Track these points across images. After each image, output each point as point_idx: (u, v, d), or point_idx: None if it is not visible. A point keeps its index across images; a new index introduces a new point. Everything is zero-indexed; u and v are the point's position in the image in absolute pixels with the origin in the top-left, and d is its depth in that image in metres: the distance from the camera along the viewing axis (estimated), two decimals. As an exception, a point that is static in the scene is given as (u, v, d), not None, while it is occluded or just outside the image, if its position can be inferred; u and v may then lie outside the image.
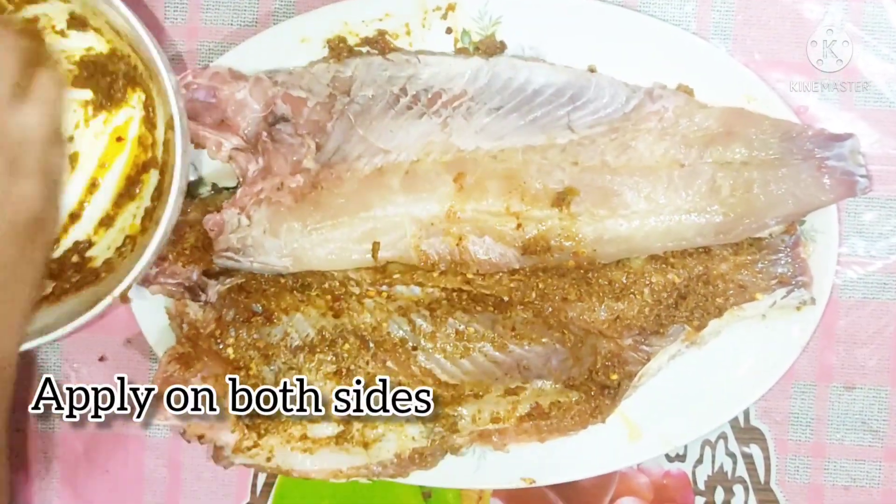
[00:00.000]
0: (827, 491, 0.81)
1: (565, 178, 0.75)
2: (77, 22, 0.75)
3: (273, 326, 0.77)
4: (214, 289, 0.77)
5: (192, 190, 0.79)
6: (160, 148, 0.76)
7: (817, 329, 0.78)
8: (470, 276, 0.76)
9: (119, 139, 0.77)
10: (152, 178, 0.77)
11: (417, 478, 0.79)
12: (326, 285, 0.77)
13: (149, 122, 0.76)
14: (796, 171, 0.75)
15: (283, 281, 0.78)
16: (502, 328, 0.77)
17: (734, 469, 0.81)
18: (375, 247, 0.75)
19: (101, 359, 0.82)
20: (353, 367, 0.77)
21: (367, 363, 0.77)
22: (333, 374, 0.78)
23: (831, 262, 0.77)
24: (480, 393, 0.78)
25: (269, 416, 0.77)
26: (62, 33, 0.76)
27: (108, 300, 0.71)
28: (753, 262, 0.77)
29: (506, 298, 0.76)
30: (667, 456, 0.82)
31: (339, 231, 0.76)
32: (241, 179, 0.77)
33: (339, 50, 0.77)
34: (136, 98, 0.77)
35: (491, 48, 0.78)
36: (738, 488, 0.81)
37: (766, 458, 0.81)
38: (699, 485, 0.82)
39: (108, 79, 0.76)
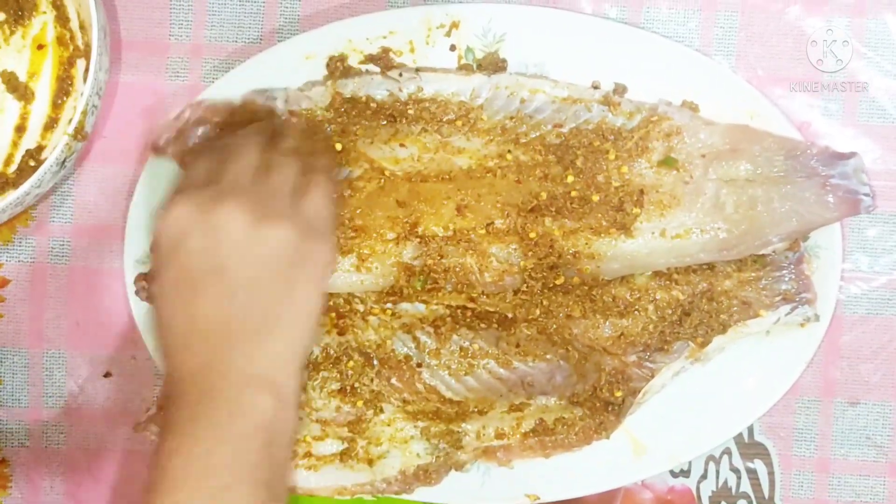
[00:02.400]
0: (831, 506, 0.81)
1: (569, 195, 0.76)
2: None
3: (277, 343, 0.78)
4: (219, 304, 0.78)
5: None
6: (79, 37, 0.79)
7: (821, 344, 0.78)
8: (474, 294, 0.76)
9: (40, 46, 0.80)
10: (79, 68, 0.80)
11: (422, 494, 0.79)
12: (331, 303, 0.77)
13: (63, 19, 0.80)
14: (800, 188, 0.75)
15: (287, 297, 0.78)
16: (506, 345, 0.77)
17: (738, 485, 0.81)
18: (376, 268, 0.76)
19: (106, 375, 0.82)
20: (357, 384, 0.77)
21: (372, 380, 0.77)
22: (337, 392, 0.78)
23: (835, 278, 0.78)
24: (485, 409, 0.78)
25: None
26: None
27: (64, 139, 0.75)
28: (757, 279, 0.77)
29: (510, 315, 0.76)
30: (671, 471, 0.82)
31: (345, 255, 0.76)
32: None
33: (336, 69, 0.77)
34: (44, 2, 0.80)
35: (494, 65, 0.78)
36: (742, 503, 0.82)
37: (771, 474, 0.81)
38: (703, 500, 0.82)
39: None
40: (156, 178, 0.79)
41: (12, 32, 0.80)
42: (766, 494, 0.81)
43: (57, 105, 0.80)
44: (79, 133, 0.76)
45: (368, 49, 0.78)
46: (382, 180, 0.76)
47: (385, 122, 0.77)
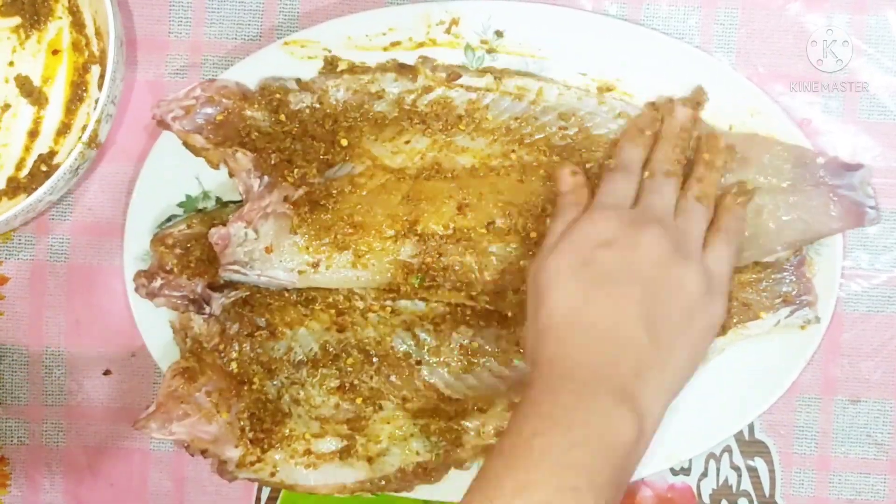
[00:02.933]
0: (832, 504, 0.81)
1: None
2: None
3: (277, 341, 0.78)
4: (219, 302, 0.78)
5: (196, 203, 0.80)
6: (94, 43, 0.79)
7: (822, 342, 0.78)
8: (473, 293, 0.76)
9: (55, 52, 0.80)
10: (94, 74, 0.80)
11: (423, 492, 0.79)
12: (331, 299, 0.77)
13: (78, 25, 0.80)
14: (806, 197, 0.75)
15: (287, 295, 0.78)
16: (506, 343, 0.77)
17: (739, 482, 0.81)
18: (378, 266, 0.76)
19: (106, 373, 0.82)
20: (356, 381, 0.77)
21: (371, 378, 0.77)
22: (336, 389, 0.78)
23: (836, 275, 0.77)
24: (484, 407, 0.78)
25: (272, 432, 0.77)
26: None
27: (79, 147, 0.75)
28: (758, 281, 0.77)
29: (510, 314, 0.76)
30: (671, 469, 0.81)
31: (342, 251, 0.76)
32: (244, 194, 0.77)
33: (333, 66, 0.78)
34: (59, 7, 0.80)
35: (494, 62, 0.78)
36: (742, 502, 0.81)
37: (771, 472, 0.81)
38: (704, 498, 0.82)
39: None
40: (156, 176, 0.79)
41: (27, 37, 0.80)
42: (767, 492, 0.81)
43: (70, 111, 0.80)
44: (93, 141, 0.76)
45: (369, 45, 0.78)
46: (385, 177, 0.76)
47: (392, 119, 0.77)
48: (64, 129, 0.80)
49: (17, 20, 0.80)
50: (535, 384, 0.66)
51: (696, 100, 0.77)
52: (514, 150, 0.76)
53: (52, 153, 0.80)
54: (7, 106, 0.80)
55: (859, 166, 0.76)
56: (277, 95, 0.76)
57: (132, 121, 0.81)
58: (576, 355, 0.66)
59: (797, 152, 0.76)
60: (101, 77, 0.77)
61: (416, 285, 0.75)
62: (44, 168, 0.79)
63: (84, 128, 0.77)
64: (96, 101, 0.76)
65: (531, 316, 0.70)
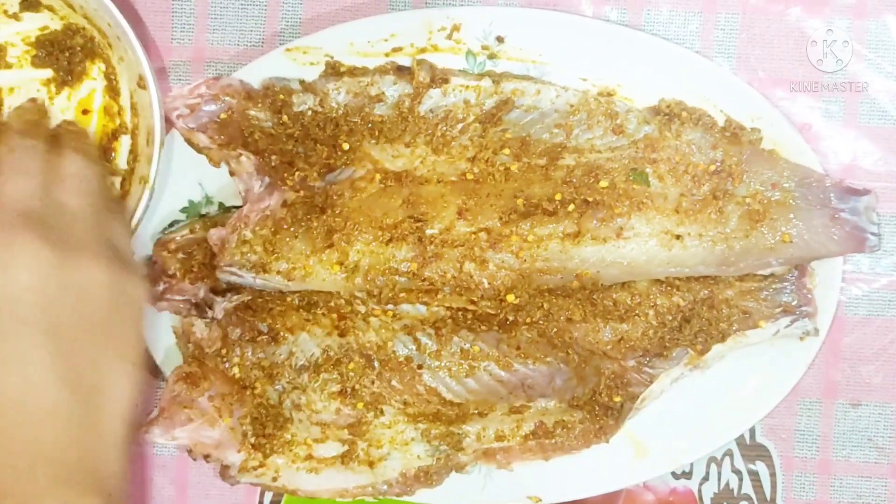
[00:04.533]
0: (833, 508, 0.81)
1: (569, 201, 0.76)
2: (29, 3, 0.78)
3: (278, 345, 0.78)
4: (221, 306, 0.78)
5: (198, 208, 0.80)
6: (127, 113, 0.78)
7: (823, 346, 0.78)
8: (474, 297, 0.76)
9: (85, 111, 0.79)
10: (123, 144, 0.78)
11: (423, 496, 0.79)
12: (332, 304, 0.78)
13: (112, 91, 0.78)
14: (809, 217, 0.75)
15: (288, 299, 0.78)
16: (507, 347, 0.77)
17: (740, 486, 0.81)
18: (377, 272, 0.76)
19: (109, 377, 0.82)
20: (357, 386, 0.77)
21: (373, 382, 0.78)
22: (338, 394, 0.78)
23: (836, 279, 0.78)
24: (485, 411, 0.78)
25: (274, 437, 0.77)
26: (15, 16, 0.78)
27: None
28: (759, 290, 0.77)
29: (511, 318, 0.76)
30: (673, 473, 0.82)
31: (340, 255, 0.76)
32: (244, 194, 0.77)
33: (335, 71, 0.78)
34: (95, 69, 0.79)
35: (496, 68, 0.78)
36: (744, 505, 0.82)
37: (773, 476, 0.81)
38: (705, 502, 0.82)
39: (66, 54, 0.78)
40: (159, 180, 0.79)
41: (59, 92, 0.79)
42: (768, 496, 0.81)
43: None
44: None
45: (370, 51, 0.78)
46: (384, 181, 0.76)
47: (391, 123, 0.77)
48: None
49: (49, 73, 0.78)
50: None
51: None
52: (514, 155, 0.77)
53: None
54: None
55: (866, 192, 0.76)
56: (281, 96, 0.77)
57: (135, 127, 0.81)
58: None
59: (802, 171, 0.76)
60: (132, 152, 0.78)
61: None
62: None
63: None
64: (124, 173, 0.77)
65: None
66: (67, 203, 0.57)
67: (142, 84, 0.75)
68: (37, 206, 0.55)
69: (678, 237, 0.76)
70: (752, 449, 0.81)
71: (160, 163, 0.75)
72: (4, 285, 0.52)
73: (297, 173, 0.76)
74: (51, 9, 0.78)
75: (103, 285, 0.56)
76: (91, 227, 0.58)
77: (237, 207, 0.79)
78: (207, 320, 0.78)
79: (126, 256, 0.59)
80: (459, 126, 0.77)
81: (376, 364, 0.77)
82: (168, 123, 0.76)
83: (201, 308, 0.78)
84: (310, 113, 0.77)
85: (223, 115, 0.76)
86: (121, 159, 0.78)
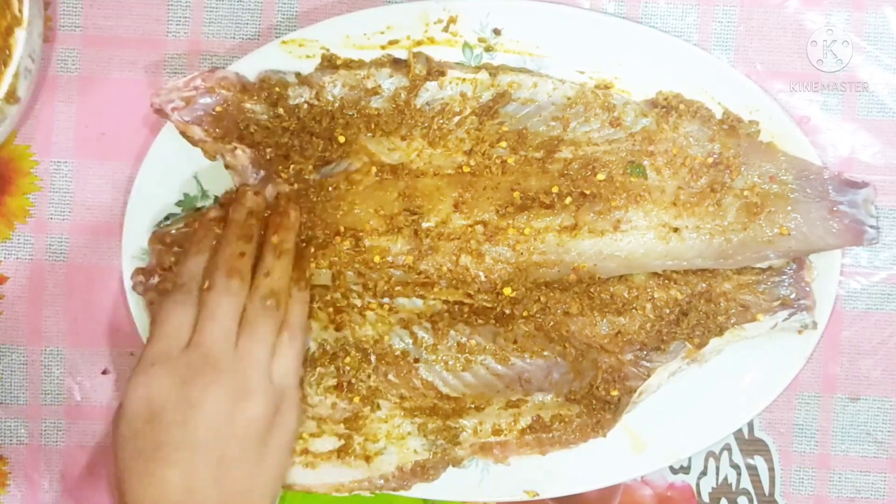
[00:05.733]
0: (832, 502, 0.81)
1: (567, 193, 0.76)
2: None
3: (274, 340, 0.77)
4: (218, 301, 0.78)
5: (194, 202, 0.80)
6: (15, 5, 0.76)
7: (821, 340, 0.78)
8: (470, 291, 0.76)
9: None
10: (18, 38, 0.77)
11: (420, 491, 0.79)
12: (328, 297, 0.77)
13: None
14: (807, 209, 0.75)
15: (284, 293, 0.78)
16: (504, 341, 0.77)
17: (738, 481, 0.81)
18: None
19: (104, 372, 0.82)
20: (354, 380, 0.77)
21: (369, 376, 0.77)
22: (334, 388, 0.77)
23: (835, 273, 0.77)
24: (482, 405, 0.78)
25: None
26: None
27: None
28: (757, 283, 0.77)
29: (507, 311, 0.76)
30: (671, 468, 0.81)
31: (335, 247, 0.76)
32: (238, 187, 0.77)
33: (331, 64, 0.78)
34: None
35: (492, 60, 0.78)
36: (742, 500, 0.81)
37: (771, 470, 0.81)
38: (703, 497, 0.81)
39: None
40: (154, 174, 0.79)
41: None
42: (767, 491, 0.81)
43: None
44: (11, 97, 0.75)
45: (366, 44, 0.78)
46: (380, 174, 0.76)
47: (388, 116, 0.77)
48: None
49: None
50: None
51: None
52: (511, 148, 0.76)
53: None
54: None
55: (864, 184, 0.76)
56: (277, 89, 0.76)
57: (130, 121, 0.81)
58: None
59: (801, 164, 0.76)
60: (27, 42, 0.76)
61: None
62: None
63: (6, 93, 0.76)
64: (20, 65, 0.75)
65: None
66: (247, 351, 0.69)
67: None
68: (226, 356, 0.68)
69: (676, 230, 0.75)
70: (750, 443, 0.81)
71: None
72: (186, 417, 0.66)
73: (292, 166, 0.76)
74: None
75: (263, 421, 0.68)
76: (262, 372, 0.69)
77: (233, 201, 0.79)
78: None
79: (287, 392, 0.70)
80: (456, 119, 0.77)
81: (372, 358, 0.77)
82: (163, 115, 0.76)
83: (197, 302, 0.78)
84: (306, 106, 0.77)
85: (218, 108, 0.76)
86: (17, 54, 0.76)
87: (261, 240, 0.73)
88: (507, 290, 0.75)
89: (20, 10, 0.77)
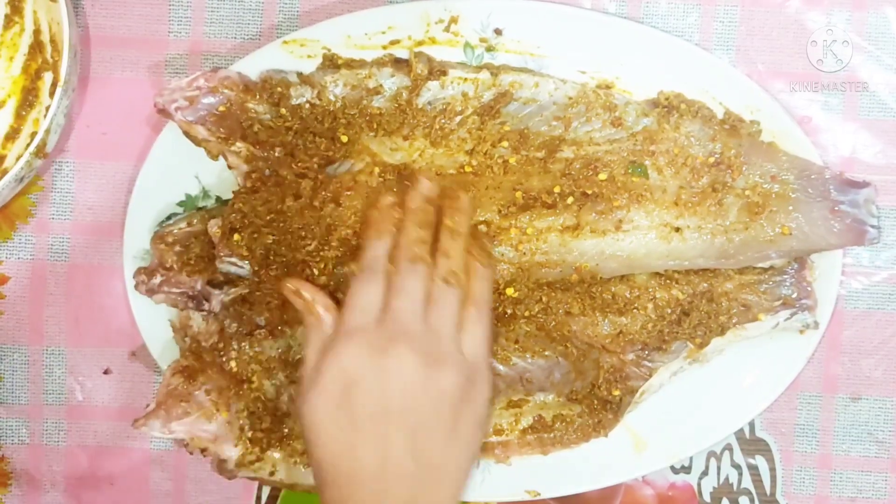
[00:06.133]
0: (833, 502, 0.81)
1: (568, 193, 0.75)
2: None
3: (276, 339, 0.77)
4: (218, 298, 0.78)
5: (195, 202, 0.80)
6: (48, 50, 0.78)
7: (822, 340, 0.78)
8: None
9: (10, 58, 0.79)
10: (46, 81, 0.79)
11: (421, 490, 0.79)
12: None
13: (35, 30, 0.79)
14: (808, 209, 0.75)
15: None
16: (505, 340, 0.77)
17: (740, 481, 0.81)
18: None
19: (106, 372, 0.82)
20: (356, 379, 0.77)
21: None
22: (336, 388, 0.77)
23: (836, 272, 0.77)
24: (484, 405, 0.78)
25: (271, 431, 0.77)
26: None
27: (26, 156, 0.75)
28: (758, 283, 0.77)
29: (509, 311, 0.76)
30: (672, 468, 0.81)
31: (340, 247, 0.75)
32: (244, 187, 0.77)
33: (333, 64, 0.78)
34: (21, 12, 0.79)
35: (494, 60, 0.78)
36: (743, 500, 0.81)
37: (772, 470, 0.81)
38: (704, 497, 0.81)
39: None
40: (155, 174, 0.79)
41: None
42: (768, 491, 0.81)
43: (20, 116, 0.80)
44: (40, 151, 0.76)
45: (367, 44, 0.78)
46: (383, 174, 0.76)
47: (389, 116, 0.77)
48: (13, 134, 0.80)
49: None
50: None
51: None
52: (512, 148, 0.76)
53: (0, 158, 0.80)
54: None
55: (865, 184, 0.76)
56: (279, 88, 0.76)
57: (132, 121, 0.81)
58: (351, 497, 0.67)
59: (802, 164, 0.76)
60: (53, 85, 0.77)
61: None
62: None
63: (33, 135, 0.77)
64: (47, 109, 0.76)
65: (307, 447, 0.70)
66: (435, 325, 0.70)
67: (54, 18, 0.75)
68: (415, 327, 0.69)
69: (677, 230, 0.75)
70: (751, 443, 0.81)
71: (69, 65, 0.75)
72: (382, 386, 0.68)
73: (296, 165, 0.76)
74: None
75: (456, 391, 0.69)
76: (451, 344, 0.70)
77: (234, 201, 0.79)
78: (204, 313, 0.78)
79: (478, 365, 0.71)
80: (458, 119, 0.77)
81: (374, 358, 0.77)
82: (166, 115, 0.76)
83: (198, 301, 0.78)
84: (308, 105, 0.77)
85: (222, 108, 0.76)
86: (44, 96, 0.79)
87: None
88: (510, 291, 0.75)
89: (52, 56, 0.78)
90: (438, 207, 0.75)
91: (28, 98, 0.79)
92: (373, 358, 0.68)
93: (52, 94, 0.77)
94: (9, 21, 0.79)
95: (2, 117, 0.80)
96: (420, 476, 0.67)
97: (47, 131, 0.75)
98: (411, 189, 0.75)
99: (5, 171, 0.76)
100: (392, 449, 0.67)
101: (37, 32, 0.79)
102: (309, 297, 0.73)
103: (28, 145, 0.75)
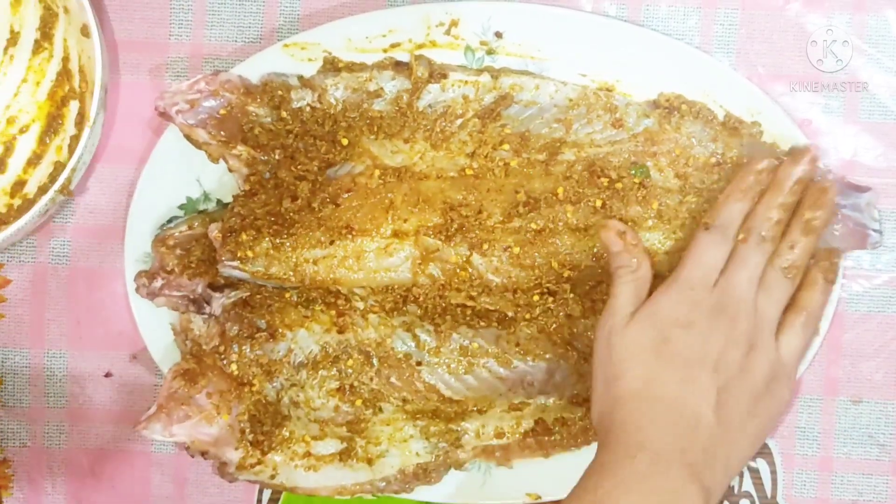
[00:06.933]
0: (834, 505, 0.81)
1: (569, 195, 0.76)
2: None
3: (276, 342, 0.77)
4: (219, 302, 0.78)
5: (196, 205, 0.80)
6: (76, 79, 0.78)
7: (823, 343, 0.78)
8: (473, 293, 0.76)
9: (37, 83, 0.79)
10: (72, 109, 0.78)
11: (422, 493, 0.79)
12: (331, 300, 0.77)
13: (64, 58, 0.79)
14: None
15: (287, 296, 0.78)
16: (506, 344, 0.77)
17: (741, 484, 0.81)
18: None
19: (107, 375, 0.82)
20: (356, 383, 0.77)
21: (371, 379, 0.77)
22: (336, 391, 0.77)
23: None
24: (484, 408, 0.78)
25: (272, 434, 0.77)
26: None
27: (50, 193, 0.75)
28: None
29: (510, 314, 0.76)
30: (673, 470, 0.81)
31: (340, 250, 0.76)
32: (243, 190, 0.77)
33: (333, 67, 0.78)
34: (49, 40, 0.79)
35: (494, 63, 0.78)
36: (744, 503, 0.81)
37: (773, 473, 0.81)
38: (705, 499, 0.81)
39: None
40: (157, 177, 0.79)
41: (11, 62, 0.79)
42: (769, 493, 0.81)
43: (44, 143, 0.79)
44: (64, 189, 0.76)
45: (368, 47, 0.78)
46: (383, 177, 0.76)
47: (390, 119, 0.77)
48: (35, 160, 0.79)
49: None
50: (609, 448, 0.69)
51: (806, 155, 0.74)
52: (514, 150, 0.76)
53: (19, 183, 0.79)
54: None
55: (867, 188, 0.76)
56: (279, 92, 0.76)
57: (133, 124, 0.81)
58: (649, 428, 0.68)
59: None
60: (79, 115, 0.77)
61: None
62: (17, 202, 0.79)
63: (55, 163, 0.78)
64: (71, 139, 0.76)
65: (604, 382, 0.71)
66: (761, 309, 0.72)
67: (85, 32, 0.75)
68: (746, 306, 0.71)
69: (679, 230, 0.75)
70: (752, 446, 0.81)
71: (100, 105, 0.75)
72: (704, 340, 0.70)
73: (296, 167, 0.76)
74: None
75: (761, 378, 0.71)
76: (769, 335, 0.72)
77: (235, 204, 0.79)
78: (205, 317, 0.78)
79: (788, 369, 0.73)
80: (458, 121, 0.77)
81: (375, 361, 0.77)
82: (167, 119, 0.76)
83: (199, 304, 0.78)
84: (308, 109, 0.77)
85: (223, 111, 0.76)
86: (69, 125, 0.78)
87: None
88: (511, 293, 0.75)
89: (80, 86, 0.78)
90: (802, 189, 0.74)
91: (52, 125, 0.79)
92: (706, 312, 0.70)
93: (77, 124, 0.77)
94: (38, 46, 0.79)
95: (25, 142, 0.79)
96: (717, 432, 0.69)
97: (73, 170, 0.75)
98: (790, 161, 0.74)
99: (25, 197, 0.77)
100: (696, 393, 0.69)
101: (65, 60, 0.79)
102: (634, 241, 0.74)
103: (51, 174, 0.76)
